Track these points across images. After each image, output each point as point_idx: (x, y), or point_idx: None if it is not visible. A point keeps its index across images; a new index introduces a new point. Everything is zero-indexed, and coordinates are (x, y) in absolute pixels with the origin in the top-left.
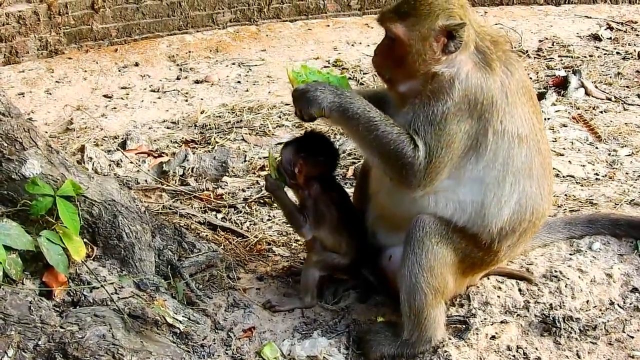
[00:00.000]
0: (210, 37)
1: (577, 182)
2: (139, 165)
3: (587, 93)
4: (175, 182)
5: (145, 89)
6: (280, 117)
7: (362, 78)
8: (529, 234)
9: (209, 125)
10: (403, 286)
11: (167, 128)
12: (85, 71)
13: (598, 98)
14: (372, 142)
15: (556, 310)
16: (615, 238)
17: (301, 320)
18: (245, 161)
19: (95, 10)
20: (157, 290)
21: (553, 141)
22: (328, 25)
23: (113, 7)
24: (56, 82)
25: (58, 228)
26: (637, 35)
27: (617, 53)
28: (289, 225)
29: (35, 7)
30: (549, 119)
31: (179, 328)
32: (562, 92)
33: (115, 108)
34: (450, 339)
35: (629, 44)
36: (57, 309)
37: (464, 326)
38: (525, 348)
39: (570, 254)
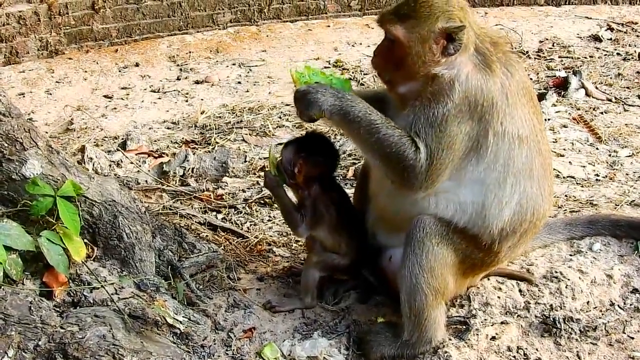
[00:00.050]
0: (210, 38)
1: (577, 183)
2: (139, 166)
3: (587, 94)
4: (176, 183)
5: (145, 89)
6: (280, 117)
7: (362, 79)
8: (530, 235)
9: (209, 125)
10: (403, 287)
11: (168, 128)
12: (86, 71)
13: (598, 99)
14: (373, 145)
15: (556, 311)
16: (615, 239)
17: (301, 321)
18: (245, 162)
19: (95, 10)
20: (157, 290)
21: (553, 142)
22: (328, 26)
23: (113, 8)
24: (56, 82)
25: (58, 228)
26: (638, 36)
27: (618, 54)
28: (286, 223)
29: (35, 8)
30: (549, 119)
31: (179, 328)
32: (562, 93)
33: (115, 108)
34: (450, 339)
35: (630, 45)
36: (58, 309)
37: (464, 327)
38: (526, 349)
39: (571, 255)
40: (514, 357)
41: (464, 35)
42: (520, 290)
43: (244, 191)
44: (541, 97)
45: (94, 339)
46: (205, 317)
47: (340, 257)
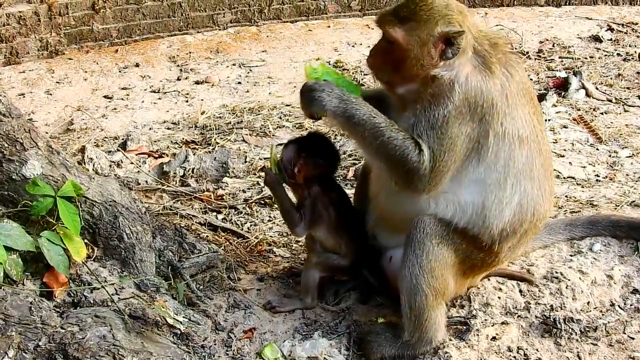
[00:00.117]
0: (210, 38)
1: (577, 184)
2: (140, 166)
3: (587, 94)
4: (176, 183)
5: (145, 89)
6: (280, 118)
7: (362, 79)
8: (530, 235)
9: (210, 126)
10: (404, 287)
11: (168, 129)
12: (86, 72)
13: (598, 99)
14: (377, 148)
15: (557, 311)
16: (615, 239)
17: (302, 321)
18: (245, 162)
19: (95, 10)
20: (157, 291)
21: (554, 142)
22: (329, 26)
23: (113, 8)
24: (57, 82)
25: (59, 229)
26: (638, 36)
27: (618, 54)
28: (284, 222)
29: (35, 8)
30: (549, 120)
31: (179, 329)
32: (562, 94)
33: (115, 109)
34: (450, 340)
35: (630, 46)
36: (58, 309)
37: (464, 327)
38: (526, 349)
39: (571, 255)
40: (514, 357)
41: (463, 40)
42: (520, 291)
43: (244, 191)
44: (541, 97)
45: (94, 340)
46: (205, 317)
47: (340, 257)
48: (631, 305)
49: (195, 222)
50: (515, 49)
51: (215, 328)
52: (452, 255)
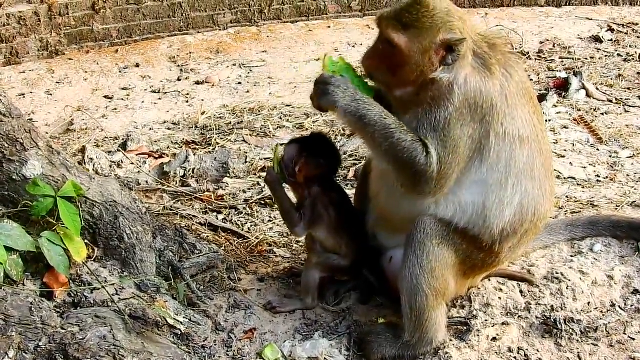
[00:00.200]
0: (211, 38)
1: (578, 184)
2: (140, 166)
3: (588, 95)
4: (176, 183)
5: (145, 89)
6: (281, 118)
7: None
8: (531, 235)
9: (210, 126)
10: (404, 288)
11: (168, 129)
12: (86, 72)
13: (599, 100)
14: (387, 150)
15: (557, 312)
16: (616, 240)
17: (302, 322)
18: (246, 162)
19: (95, 11)
20: (158, 291)
21: (554, 143)
22: (329, 27)
23: (114, 8)
24: (57, 82)
25: (59, 229)
26: (638, 37)
27: (618, 55)
28: (283, 222)
29: (35, 8)
30: (550, 120)
31: (179, 329)
32: (563, 94)
33: (115, 109)
34: (451, 340)
35: (630, 46)
36: (58, 310)
37: (465, 328)
38: (527, 350)
39: (572, 256)
40: (515, 358)
41: (464, 47)
42: (521, 291)
43: (244, 192)
44: (542, 98)
45: (95, 340)
46: (206, 317)
47: (340, 257)
48: (632, 305)
49: (196, 223)
50: (516, 49)
51: (215, 328)
52: (452, 255)
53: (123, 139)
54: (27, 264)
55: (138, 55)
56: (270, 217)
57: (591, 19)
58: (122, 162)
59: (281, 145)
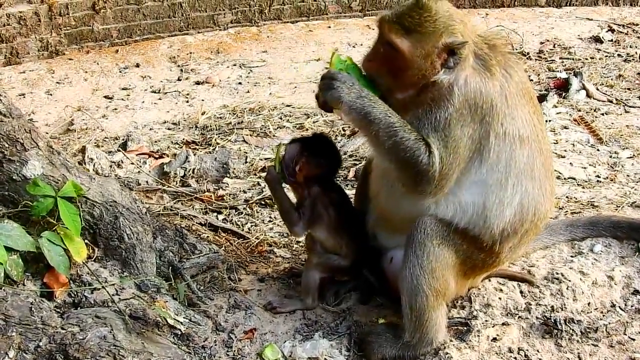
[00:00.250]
0: (211, 38)
1: (578, 184)
2: (140, 166)
3: (588, 95)
4: (176, 183)
5: (146, 89)
6: (281, 118)
7: None
8: (531, 236)
9: (210, 126)
10: (404, 288)
11: (168, 129)
12: (86, 72)
13: (599, 100)
14: (390, 148)
15: (557, 312)
16: (616, 240)
17: (302, 322)
18: (246, 162)
19: (96, 11)
20: (158, 291)
21: (554, 143)
22: (329, 27)
23: (114, 8)
24: (57, 82)
25: (59, 229)
26: (639, 37)
27: (619, 55)
28: (282, 222)
29: (36, 8)
30: (550, 120)
31: (180, 329)
32: (563, 94)
33: (116, 109)
34: (451, 340)
35: (630, 46)
36: (58, 310)
37: (465, 328)
38: (527, 350)
39: (572, 256)
40: (515, 358)
41: (465, 50)
42: (521, 292)
43: (244, 192)
44: (542, 98)
45: (95, 340)
46: (206, 318)
47: (340, 258)
48: (632, 306)
49: (196, 223)
50: (516, 49)
51: (215, 329)
52: (452, 255)
53: (123, 139)
54: (27, 264)
55: (138, 55)
56: (270, 217)
57: (591, 20)
58: (122, 162)
59: (283, 144)
